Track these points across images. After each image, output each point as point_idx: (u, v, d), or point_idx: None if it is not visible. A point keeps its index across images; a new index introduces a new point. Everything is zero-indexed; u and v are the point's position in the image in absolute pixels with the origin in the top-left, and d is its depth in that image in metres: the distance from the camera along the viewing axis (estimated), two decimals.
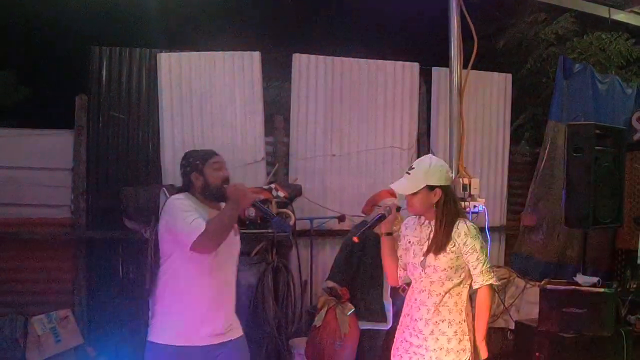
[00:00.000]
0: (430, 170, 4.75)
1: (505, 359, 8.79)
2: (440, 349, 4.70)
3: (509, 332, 8.79)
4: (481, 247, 4.71)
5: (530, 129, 11.96)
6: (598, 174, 7.77)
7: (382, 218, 4.91)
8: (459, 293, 4.74)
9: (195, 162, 4.98)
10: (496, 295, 8.73)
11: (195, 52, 8.84)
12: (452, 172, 4.89)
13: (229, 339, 4.93)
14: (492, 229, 9.10)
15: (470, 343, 4.70)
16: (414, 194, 4.75)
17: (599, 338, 7.09)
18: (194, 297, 4.81)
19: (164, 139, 8.67)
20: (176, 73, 8.70)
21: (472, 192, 8.44)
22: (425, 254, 4.76)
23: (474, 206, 8.36)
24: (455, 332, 4.70)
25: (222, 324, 4.89)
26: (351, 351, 6.89)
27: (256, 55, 8.94)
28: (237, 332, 5.06)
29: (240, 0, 13.16)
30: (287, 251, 8.23)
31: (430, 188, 4.72)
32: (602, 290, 7.15)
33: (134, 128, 8.80)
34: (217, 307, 4.87)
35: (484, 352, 4.74)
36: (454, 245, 4.68)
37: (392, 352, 5.05)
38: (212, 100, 8.79)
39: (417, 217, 4.96)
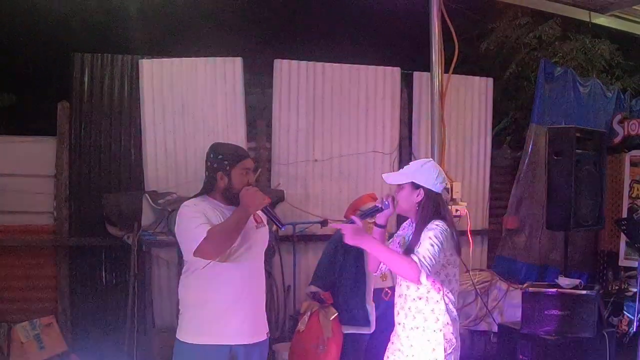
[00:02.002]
0: (421, 169, 4.76)
1: None
2: (413, 355, 4.69)
3: (492, 334, 8.82)
4: (430, 237, 4.50)
5: (512, 133, 11.99)
6: (579, 176, 7.82)
7: (377, 210, 4.90)
8: (437, 300, 4.67)
9: (224, 161, 4.95)
10: (479, 298, 8.77)
11: (176, 59, 8.84)
12: (446, 183, 4.83)
13: (256, 341, 4.96)
14: (474, 232, 9.13)
15: (445, 354, 4.63)
16: (401, 189, 4.78)
17: (581, 340, 7.14)
18: (215, 296, 4.82)
19: (146, 146, 8.67)
20: (158, 79, 8.70)
21: (454, 196, 8.48)
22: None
23: (456, 210, 8.39)
24: (429, 340, 4.65)
25: (246, 322, 4.89)
26: (335, 355, 6.89)
27: (238, 61, 8.95)
28: (263, 334, 5.07)
29: (221, 7, 13.14)
30: (270, 256, 8.23)
31: (415, 186, 4.72)
32: (584, 292, 7.19)
33: (116, 135, 8.78)
34: (240, 306, 4.85)
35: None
36: None
37: None
38: (194, 106, 8.79)
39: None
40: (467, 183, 10.05)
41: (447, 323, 4.68)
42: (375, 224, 4.99)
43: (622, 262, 9.55)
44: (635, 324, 7.97)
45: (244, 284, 4.88)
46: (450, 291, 4.72)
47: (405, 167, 4.87)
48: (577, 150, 7.81)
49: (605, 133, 8.83)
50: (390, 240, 5.09)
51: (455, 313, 4.76)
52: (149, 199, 7.61)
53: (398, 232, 5.10)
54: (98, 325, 8.59)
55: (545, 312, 7.20)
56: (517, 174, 10.20)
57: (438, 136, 8.64)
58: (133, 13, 11.23)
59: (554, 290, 7.26)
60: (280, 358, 7.64)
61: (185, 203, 4.97)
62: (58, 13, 11.39)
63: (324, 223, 8.72)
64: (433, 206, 4.73)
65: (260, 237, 5.05)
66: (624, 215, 9.74)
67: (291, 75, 9.31)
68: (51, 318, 8.20)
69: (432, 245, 4.45)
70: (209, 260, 4.70)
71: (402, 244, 4.84)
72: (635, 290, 8.28)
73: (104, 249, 8.64)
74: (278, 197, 8.47)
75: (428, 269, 4.38)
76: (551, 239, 9.88)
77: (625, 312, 8.63)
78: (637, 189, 9.83)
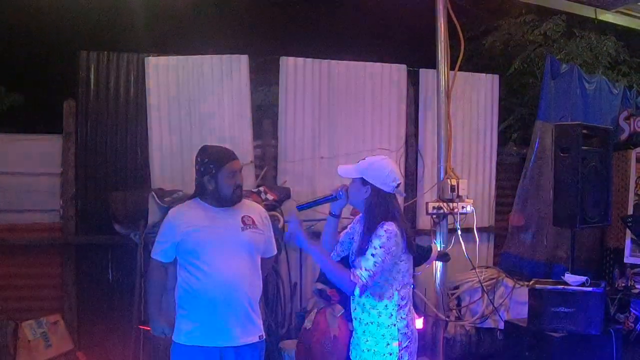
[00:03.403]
0: (371, 166, 4.76)
1: (495, 359, 8.83)
2: (368, 350, 4.73)
3: (498, 332, 8.82)
4: (375, 247, 4.51)
5: (518, 130, 11.97)
6: (585, 173, 7.79)
7: (331, 198, 4.93)
8: (390, 297, 4.69)
9: (210, 165, 5.03)
10: (485, 295, 8.76)
11: (183, 56, 8.83)
12: (397, 183, 4.75)
13: (246, 343, 5.01)
14: (480, 230, 9.13)
15: (400, 348, 4.66)
16: (352, 183, 4.81)
17: (588, 337, 7.11)
18: (203, 298, 4.89)
19: (152, 144, 8.67)
20: (164, 77, 8.71)
21: (460, 193, 8.47)
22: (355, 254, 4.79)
23: (462, 207, 8.39)
24: (383, 335, 4.68)
25: (235, 325, 4.95)
26: (341, 353, 6.90)
27: (244, 58, 8.94)
28: (255, 336, 5.10)
29: (227, 4, 13.16)
30: (276, 254, 8.24)
31: (364, 182, 4.74)
32: (590, 289, 7.17)
33: (123, 133, 8.79)
34: (228, 309, 4.91)
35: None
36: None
37: None
38: (200, 103, 8.79)
39: None
40: (473, 180, 10.04)
41: (401, 317, 4.72)
42: (330, 214, 5.04)
43: (628, 260, 9.53)
44: None
45: (231, 286, 4.92)
46: (403, 286, 4.75)
47: (361, 161, 4.84)
48: (583, 147, 7.79)
49: (611, 130, 8.79)
50: (344, 231, 5.12)
51: (408, 307, 4.79)
52: (156, 197, 7.60)
53: (353, 222, 5.11)
54: (104, 323, 8.59)
55: (552, 309, 7.18)
56: (523, 171, 10.19)
57: (444, 133, 8.65)
58: (139, 11, 11.23)
59: (560, 287, 7.24)
60: (287, 355, 7.65)
61: (173, 209, 5.12)
62: (64, 11, 11.41)
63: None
64: (382, 205, 4.72)
65: (246, 239, 5.07)
66: (630, 212, 9.72)
67: (297, 73, 9.30)
68: (58, 316, 8.22)
69: (373, 256, 4.51)
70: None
71: (355, 246, 4.85)
72: None
73: (111, 247, 8.65)
74: (284, 195, 8.46)
75: (365, 283, 4.47)
76: (557, 235, 9.87)
77: (631, 309, 8.62)
78: None
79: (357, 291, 4.45)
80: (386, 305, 4.70)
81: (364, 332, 4.78)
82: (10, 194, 8.35)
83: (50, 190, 8.57)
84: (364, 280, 4.44)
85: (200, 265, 4.86)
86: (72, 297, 8.56)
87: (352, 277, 4.44)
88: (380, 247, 4.50)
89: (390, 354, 4.68)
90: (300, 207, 5.13)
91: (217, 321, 4.86)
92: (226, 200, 4.96)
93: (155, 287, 5.25)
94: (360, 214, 4.99)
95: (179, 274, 5.05)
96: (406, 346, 4.71)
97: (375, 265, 4.48)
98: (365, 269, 4.46)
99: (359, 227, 4.93)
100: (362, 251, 4.61)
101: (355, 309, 4.86)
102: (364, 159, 4.85)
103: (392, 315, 4.70)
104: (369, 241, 4.58)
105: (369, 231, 4.66)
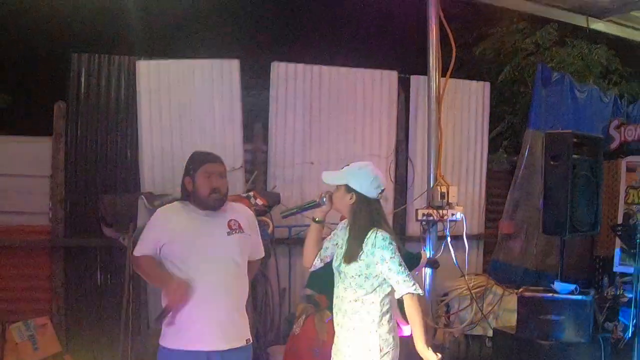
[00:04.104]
0: (356, 173, 4.79)
1: None
2: (351, 355, 4.75)
3: (487, 339, 8.83)
4: (391, 257, 4.63)
5: (509, 137, 11.99)
6: (575, 182, 7.79)
7: (314, 205, 4.96)
8: (373, 302, 4.72)
9: (189, 166, 5.04)
10: (474, 302, 8.76)
11: (174, 60, 8.84)
12: (382, 189, 4.80)
13: (233, 347, 4.95)
14: (470, 237, 9.11)
15: (381, 354, 4.68)
16: (336, 189, 4.82)
17: (576, 345, 7.12)
18: (188, 303, 4.83)
19: (142, 147, 8.64)
20: (155, 81, 8.68)
21: (450, 200, 8.46)
22: (342, 260, 4.81)
23: (452, 214, 8.38)
24: (366, 341, 4.70)
25: (221, 329, 4.90)
26: (330, 358, 6.89)
27: (235, 63, 8.93)
28: (242, 340, 5.07)
29: (219, 9, 13.15)
30: (265, 259, 8.22)
31: (348, 189, 4.76)
32: (579, 297, 7.18)
33: (113, 135, 8.78)
34: (214, 313, 4.87)
35: (432, 357, 4.65)
36: (363, 253, 4.67)
37: None
38: (191, 107, 8.77)
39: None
40: (464, 187, 10.06)
41: (383, 324, 4.74)
42: (313, 220, 5.05)
43: (617, 268, 9.54)
44: (630, 329, 7.96)
45: (217, 290, 4.88)
46: (386, 294, 4.77)
47: (345, 167, 4.85)
48: (573, 156, 7.79)
49: (602, 138, 8.81)
50: (327, 237, 5.13)
51: (390, 313, 4.81)
52: (145, 201, 7.58)
53: (337, 228, 5.13)
54: (93, 326, 8.59)
55: (541, 317, 7.19)
56: (513, 179, 10.21)
57: (434, 140, 8.64)
58: (131, 14, 11.22)
59: (549, 295, 7.25)
60: None
61: (160, 209, 5.11)
62: (55, 13, 11.39)
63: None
64: (367, 212, 4.77)
65: (232, 243, 5.02)
66: (620, 220, 9.73)
67: (288, 78, 9.31)
68: (46, 319, 8.19)
69: (400, 266, 4.65)
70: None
71: (340, 252, 4.90)
72: (630, 296, 8.27)
73: (99, 250, 8.65)
74: (274, 200, 8.45)
75: (415, 286, 4.65)
76: (547, 243, 9.89)
77: (620, 318, 8.62)
78: (633, 195, 9.82)
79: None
80: (369, 311, 4.72)
81: (345, 337, 4.80)
82: None
83: (39, 192, 8.54)
84: (416, 284, 4.67)
85: (185, 270, 4.83)
86: (61, 300, 8.54)
87: (413, 293, 4.65)
88: (396, 255, 4.66)
89: None
90: (284, 215, 5.20)
91: (203, 325, 4.84)
92: (203, 203, 4.93)
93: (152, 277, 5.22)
94: (344, 220, 5.03)
95: None
96: (387, 352, 4.71)
97: (405, 269, 4.66)
98: (407, 280, 4.64)
99: (343, 234, 4.95)
100: (351, 258, 4.66)
101: (337, 314, 4.88)
102: (348, 165, 4.86)
103: (374, 320, 4.71)
104: (359, 247, 4.65)
105: (356, 238, 4.71)
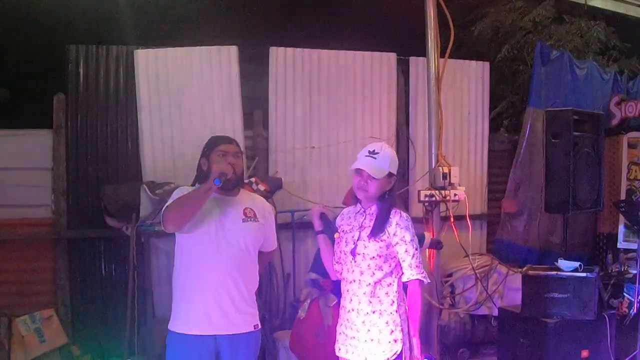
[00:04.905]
0: (393, 158, 4.84)
1: (489, 346, 8.84)
2: (372, 340, 4.72)
3: (492, 318, 8.84)
4: (411, 240, 4.70)
5: (509, 117, 11.97)
6: (577, 159, 7.80)
7: (332, 223, 5.08)
8: (390, 284, 4.75)
9: (204, 148, 5.12)
10: (479, 282, 8.77)
11: (172, 48, 8.81)
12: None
13: (241, 332, 4.99)
14: (473, 217, 9.09)
15: (403, 334, 4.70)
16: (372, 179, 4.78)
17: (582, 322, 7.13)
18: (197, 287, 4.89)
19: (142, 136, 8.64)
20: (153, 69, 8.68)
21: (452, 181, 8.44)
22: (357, 241, 4.80)
23: (454, 194, 8.38)
24: (387, 322, 4.70)
25: (229, 314, 4.93)
26: (335, 342, 6.89)
27: (233, 49, 8.92)
28: (249, 326, 5.08)
29: None
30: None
31: (390, 176, 4.80)
32: (584, 274, 7.18)
33: (113, 126, 8.76)
34: (222, 297, 4.91)
35: (416, 348, 4.69)
36: (385, 233, 4.70)
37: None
38: (190, 95, 8.77)
39: (355, 206, 5.04)
40: (465, 167, 10.06)
41: (401, 304, 4.78)
42: (320, 232, 5.16)
43: (621, 245, 9.54)
44: (635, 305, 7.97)
45: (226, 276, 4.91)
46: (399, 276, 4.82)
47: (375, 155, 4.80)
48: (574, 133, 7.79)
49: (602, 115, 8.79)
50: (339, 237, 5.07)
51: (402, 293, 4.85)
52: (147, 190, 7.59)
53: (337, 222, 5.13)
54: (98, 316, 8.59)
55: (545, 295, 7.20)
56: (515, 158, 10.19)
57: (435, 121, 8.61)
58: (127, 3, 11.17)
59: (554, 273, 7.26)
60: (280, 345, 7.64)
61: (180, 188, 5.07)
62: (51, 4, 11.34)
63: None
64: (393, 192, 4.89)
65: (246, 231, 5.04)
66: (623, 197, 9.73)
67: (287, 63, 9.29)
68: (51, 311, 8.20)
69: (417, 250, 4.77)
70: (189, 251, 4.91)
71: (351, 236, 4.90)
72: (634, 272, 8.28)
73: (103, 241, 8.65)
74: (276, 185, 8.45)
75: (425, 274, 4.74)
76: (550, 222, 9.88)
77: (625, 294, 8.62)
78: (635, 171, 9.81)
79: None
80: (387, 293, 4.74)
81: (363, 322, 4.76)
82: (1, 189, 8.30)
83: (41, 185, 8.53)
84: (423, 272, 4.78)
85: (197, 251, 4.85)
86: (65, 292, 8.54)
87: (422, 280, 4.75)
88: (413, 236, 4.77)
89: (395, 341, 4.70)
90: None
91: (212, 310, 4.86)
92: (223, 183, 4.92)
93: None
94: (347, 210, 5.12)
95: (176, 260, 5.04)
96: (407, 332, 4.73)
97: (417, 253, 4.77)
98: (419, 266, 4.75)
99: (346, 221, 5.02)
100: (375, 234, 4.71)
101: (351, 300, 4.83)
102: (375, 151, 4.82)
103: (393, 302, 4.74)
104: (383, 226, 4.73)
105: (381, 218, 4.76)
